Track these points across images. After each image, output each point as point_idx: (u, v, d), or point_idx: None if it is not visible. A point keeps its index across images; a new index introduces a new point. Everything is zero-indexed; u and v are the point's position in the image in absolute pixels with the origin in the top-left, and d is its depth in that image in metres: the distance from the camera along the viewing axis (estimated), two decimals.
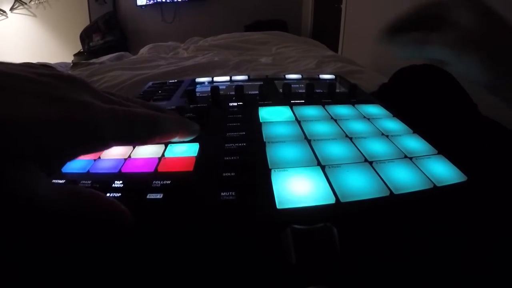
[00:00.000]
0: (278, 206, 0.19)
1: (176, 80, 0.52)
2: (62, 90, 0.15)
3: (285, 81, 0.49)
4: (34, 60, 0.96)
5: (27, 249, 0.12)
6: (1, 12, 2.96)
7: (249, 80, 0.51)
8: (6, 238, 0.11)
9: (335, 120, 0.31)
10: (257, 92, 0.40)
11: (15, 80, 0.13)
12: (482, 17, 0.19)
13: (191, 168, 0.23)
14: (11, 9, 2.99)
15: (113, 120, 0.15)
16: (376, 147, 0.26)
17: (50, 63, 1.07)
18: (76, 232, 0.13)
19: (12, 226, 0.11)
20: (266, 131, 0.29)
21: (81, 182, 0.21)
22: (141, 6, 3.06)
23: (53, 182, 0.13)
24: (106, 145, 0.16)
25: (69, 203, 0.13)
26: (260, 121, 0.31)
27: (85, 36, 2.89)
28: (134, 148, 0.26)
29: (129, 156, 0.25)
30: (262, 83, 0.44)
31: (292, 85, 0.40)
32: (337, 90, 0.42)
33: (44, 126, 0.13)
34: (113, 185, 0.21)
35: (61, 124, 0.13)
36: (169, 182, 0.21)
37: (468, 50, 0.19)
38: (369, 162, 0.24)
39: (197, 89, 0.44)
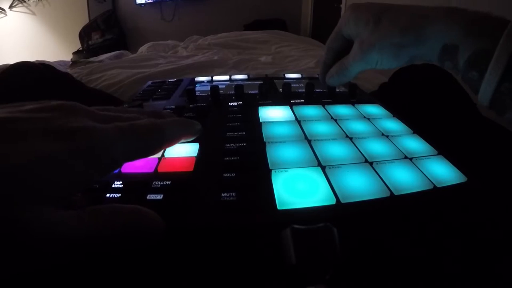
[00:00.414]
0: (279, 207, 0.19)
1: (175, 79, 0.52)
2: (59, 121, 0.14)
3: (285, 80, 0.49)
4: (33, 58, 0.96)
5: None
6: (0, 10, 2.94)
7: (248, 79, 0.51)
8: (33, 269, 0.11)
9: (335, 120, 0.31)
10: (257, 91, 0.40)
11: (6, 124, 0.13)
12: (367, 28, 0.26)
13: (191, 169, 0.23)
14: (10, 7, 2.97)
15: (120, 138, 0.15)
16: (376, 148, 0.26)
17: (49, 62, 1.06)
18: (105, 248, 0.13)
19: (39, 260, 0.11)
20: (266, 131, 0.28)
21: None
22: (140, 4, 3.05)
23: (72, 208, 0.13)
24: (118, 164, 0.15)
25: (91, 225, 0.13)
26: (260, 120, 0.31)
27: (84, 35, 2.88)
28: None
29: None
30: (261, 82, 0.44)
31: (292, 85, 0.40)
32: (337, 90, 0.42)
33: (51, 165, 0.12)
34: (113, 185, 0.21)
35: (69, 159, 0.13)
36: (169, 182, 0.21)
37: (368, 51, 0.26)
38: (369, 162, 0.24)
39: (196, 88, 0.44)
